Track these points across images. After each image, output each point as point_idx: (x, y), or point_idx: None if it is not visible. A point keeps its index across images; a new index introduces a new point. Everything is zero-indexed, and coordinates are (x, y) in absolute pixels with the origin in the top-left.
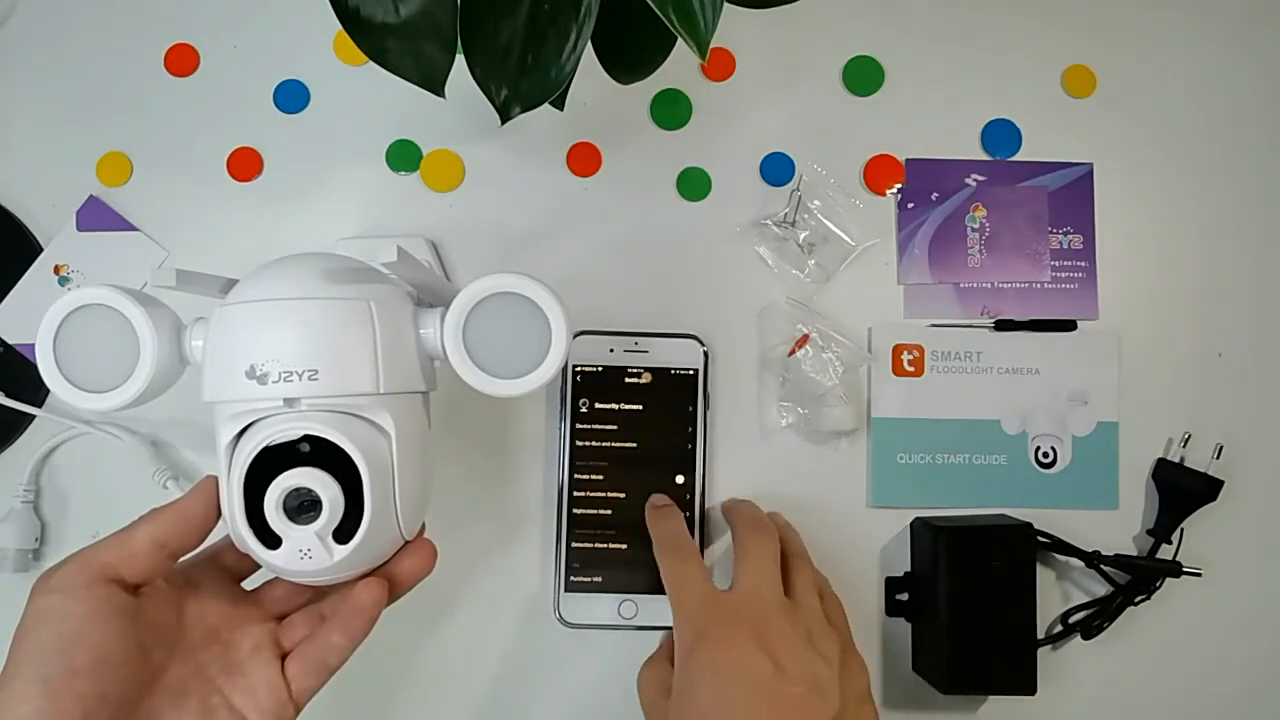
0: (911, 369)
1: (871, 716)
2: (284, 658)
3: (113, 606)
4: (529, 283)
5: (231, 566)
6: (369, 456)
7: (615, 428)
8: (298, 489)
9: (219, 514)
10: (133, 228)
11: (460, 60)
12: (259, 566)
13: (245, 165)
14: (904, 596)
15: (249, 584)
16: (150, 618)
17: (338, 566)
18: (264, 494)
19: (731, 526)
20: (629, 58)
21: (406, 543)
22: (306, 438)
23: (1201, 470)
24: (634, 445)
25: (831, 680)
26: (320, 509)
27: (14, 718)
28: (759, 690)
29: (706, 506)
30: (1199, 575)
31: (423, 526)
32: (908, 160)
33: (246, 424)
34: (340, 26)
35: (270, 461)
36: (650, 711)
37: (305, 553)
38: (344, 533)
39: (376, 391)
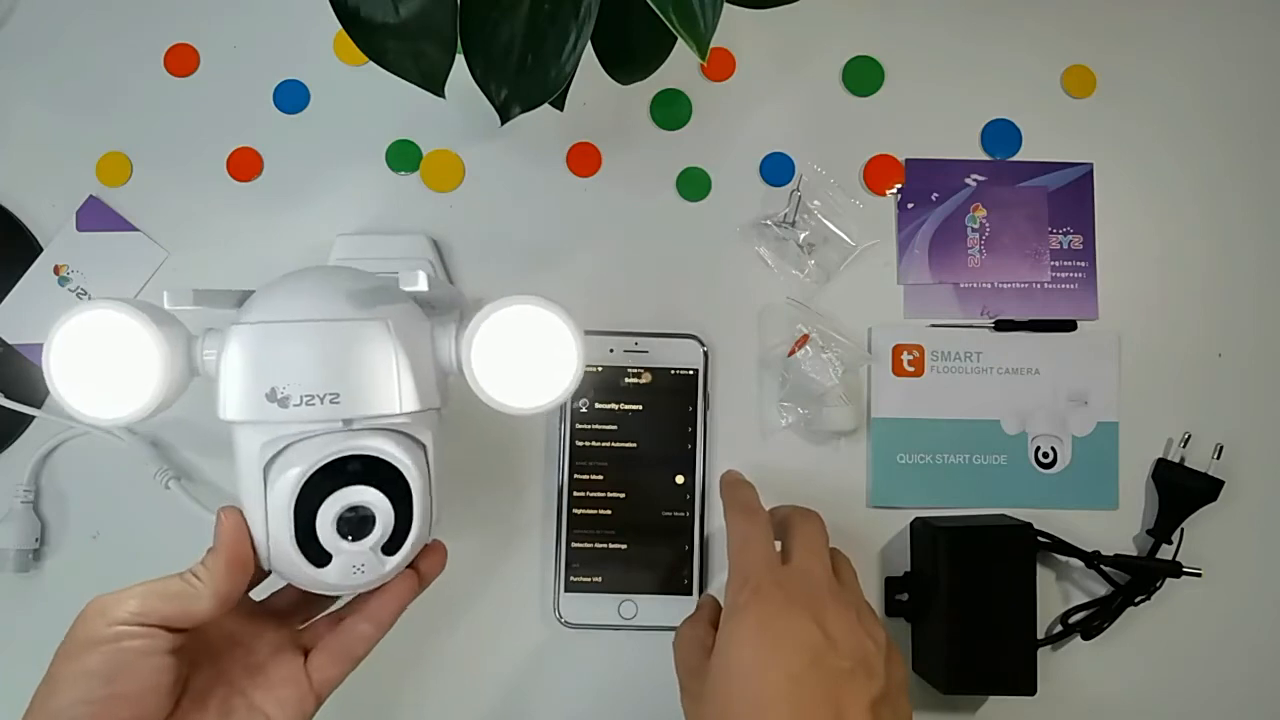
0: (911, 369)
1: (908, 710)
2: (306, 654)
3: (163, 646)
4: (546, 304)
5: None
6: (416, 471)
7: (615, 428)
8: (352, 506)
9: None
10: (132, 228)
11: (460, 60)
12: (267, 575)
13: (245, 165)
14: (904, 596)
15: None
16: (184, 644)
17: (385, 576)
18: (312, 514)
19: (780, 512)
20: (629, 58)
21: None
22: (360, 457)
23: (1201, 470)
24: (634, 445)
25: (879, 660)
26: (371, 524)
27: None
28: (809, 657)
29: (707, 508)
30: (1199, 575)
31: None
32: (908, 160)
33: (284, 445)
34: (340, 26)
35: (316, 481)
36: (686, 670)
37: (359, 568)
38: (390, 543)
39: (396, 412)
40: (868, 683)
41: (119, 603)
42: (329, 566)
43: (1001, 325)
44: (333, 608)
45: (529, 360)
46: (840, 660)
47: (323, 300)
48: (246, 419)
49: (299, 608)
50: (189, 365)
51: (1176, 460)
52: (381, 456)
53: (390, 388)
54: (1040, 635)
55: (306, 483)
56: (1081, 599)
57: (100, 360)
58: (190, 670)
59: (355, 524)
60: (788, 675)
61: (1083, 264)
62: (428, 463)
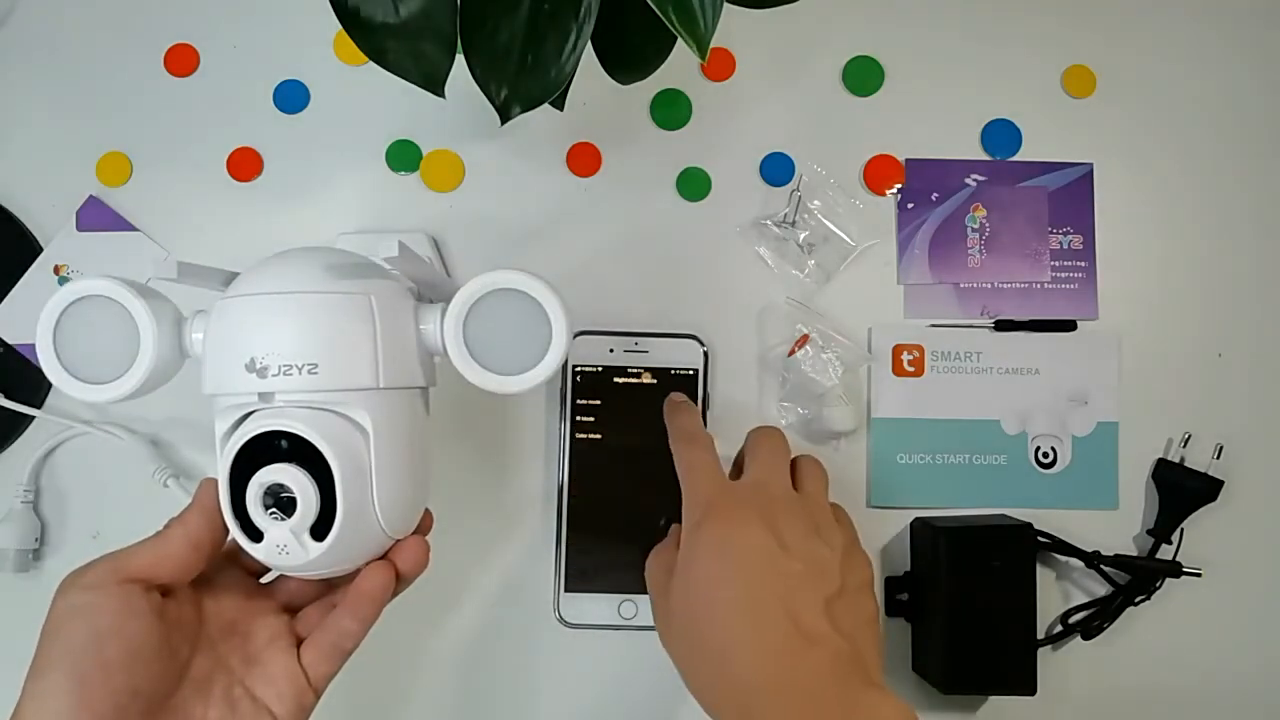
0: (911, 369)
1: (871, 606)
2: (300, 646)
3: (144, 605)
4: (530, 279)
5: (247, 562)
6: (343, 455)
7: (615, 428)
8: (275, 485)
9: None
10: (132, 228)
11: (460, 60)
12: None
13: (245, 165)
14: (904, 596)
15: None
16: (174, 614)
17: (316, 563)
18: (246, 489)
19: (749, 436)
20: (629, 58)
21: (401, 539)
22: (286, 435)
23: (1201, 470)
24: (634, 445)
25: (834, 563)
26: (296, 505)
27: (48, 710)
28: (761, 563)
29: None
30: (1199, 575)
31: (428, 523)
32: (908, 160)
33: (238, 417)
34: (340, 26)
35: (256, 457)
36: (655, 593)
37: (282, 548)
38: (322, 529)
39: (376, 386)
40: (821, 583)
41: (90, 567)
42: (260, 544)
43: (1001, 325)
44: (323, 593)
45: (513, 337)
46: (792, 563)
47: (305, 274)
48: (226, 390)
49: (300, 592)
50: (179, 345)
51: (1176, 460)
52: (302, 435)
53: (369, 361)
54: (1040, 635)
55: (240, 456)
56: (1081, 599)
57: (90, 336)
58: (191, 653)
59: (286, 504)
60: (742, 581)
61: (1083, 264)
62: (369, 449)
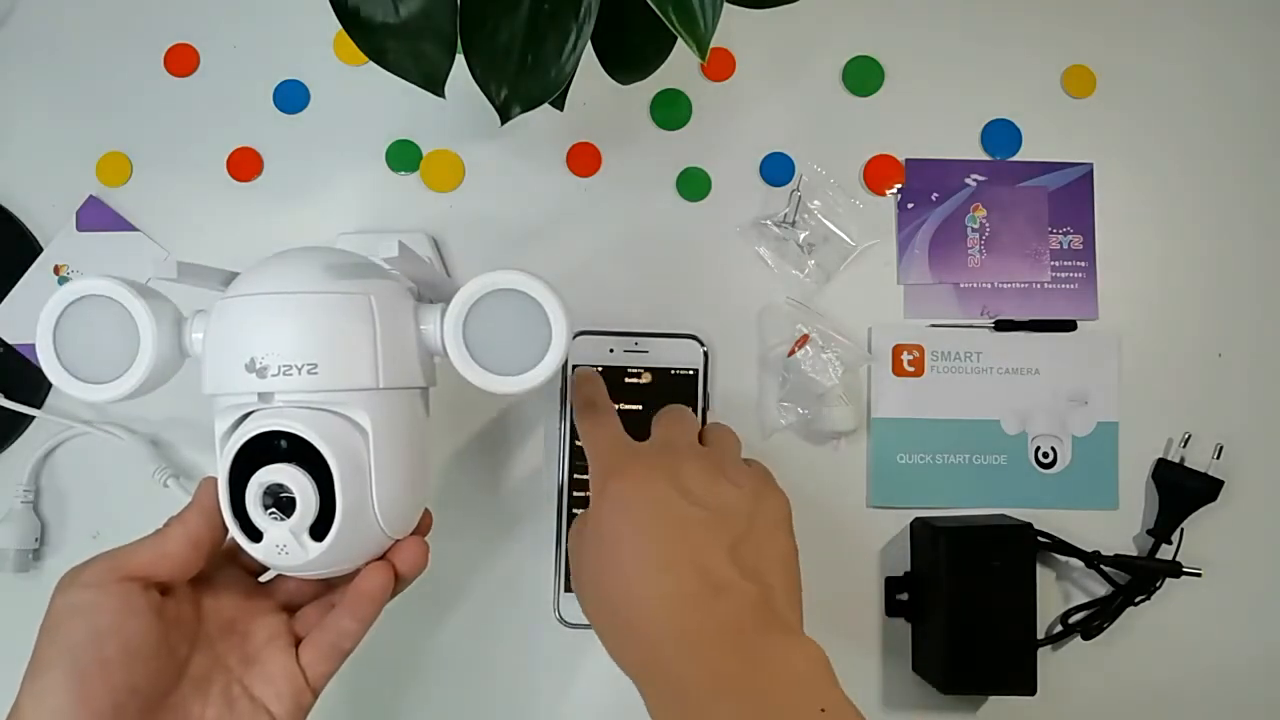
0: (911, 369)
1: (786, 544)
2: (299, 645)
3: (143, 603)
4: (530, 279)
5: (246, 561)
6: (342, 455)
7: None
8: (274, 485)
9: None
10: (132, 228)
11: (460, 60)
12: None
13: (245, 165)
14: (904, 596)
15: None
16: (172, 612)
17: (315, 563)
18: (245, 489)
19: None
20: (629, 58)
21: (400, 540)
22: (285, 435)
23: (1201, 470)
24: None
25: (739, 505)
26: (295, 505)
27: (46, 708)
28: (662, 514)
29: None
30: (1199, 575)
31: (428, 522)
32: (908, 160)
33: (238, 417)
34: (340, 26)
35: (255, 457)
36: (571, 555)
37: (282, 548)
38: (321, 529)
39: (375, 386)
40: (726, 527)
41: (89, 565)
42: (259, 544)
43: (1001, 325)
44: (322, 592)
45: (513, 337)
46: (694, 510)
47: (305, 274)
48: (225, 391)
49: (299, 592)
50: (179, 345)
51: (1176, 460)
52: (301, 435)
53: (369, 361)
54: (1040, 635)
55: (240, 456)
56: (1081, 599)
57: (90, 336)
58: (189, 652)
59: (285, 504)
60: (644, 534)
61: (1083, 264)
62: (369, 449)
